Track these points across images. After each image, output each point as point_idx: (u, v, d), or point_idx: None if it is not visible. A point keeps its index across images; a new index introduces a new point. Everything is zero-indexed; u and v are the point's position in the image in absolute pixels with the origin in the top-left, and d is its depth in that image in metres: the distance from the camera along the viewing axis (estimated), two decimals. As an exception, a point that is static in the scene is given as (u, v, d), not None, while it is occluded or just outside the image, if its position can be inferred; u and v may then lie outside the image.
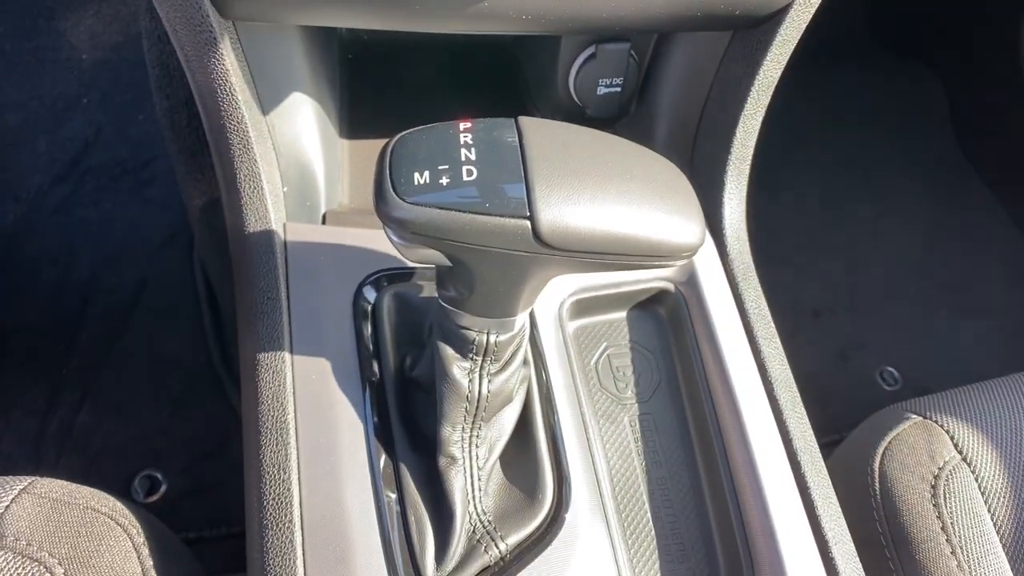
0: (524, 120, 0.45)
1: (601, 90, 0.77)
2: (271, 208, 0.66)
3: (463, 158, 0.43)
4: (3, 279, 1.45)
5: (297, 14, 0.59)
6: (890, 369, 1.56)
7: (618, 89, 0.77)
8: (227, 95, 0.61)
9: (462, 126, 0.44)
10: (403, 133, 0.45)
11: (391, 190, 0.42)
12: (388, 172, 0.43)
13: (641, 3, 0.59)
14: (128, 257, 1.49)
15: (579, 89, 0.77)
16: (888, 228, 1.70)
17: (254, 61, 0.63)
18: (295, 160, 0.71)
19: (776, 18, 0.64)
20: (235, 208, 0.66)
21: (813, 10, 0.64)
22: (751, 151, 0.73)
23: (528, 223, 0.42)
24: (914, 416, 0.82)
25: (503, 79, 0.90)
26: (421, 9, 0.57)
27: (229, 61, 0.59)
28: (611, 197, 0.43)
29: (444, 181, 0.42)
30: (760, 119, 0.71)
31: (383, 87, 0.88)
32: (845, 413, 1.47)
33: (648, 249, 0.44)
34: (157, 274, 1.46)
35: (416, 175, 0.42)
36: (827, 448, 0.74)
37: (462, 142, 0.43)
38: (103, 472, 1.27)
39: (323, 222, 0.73)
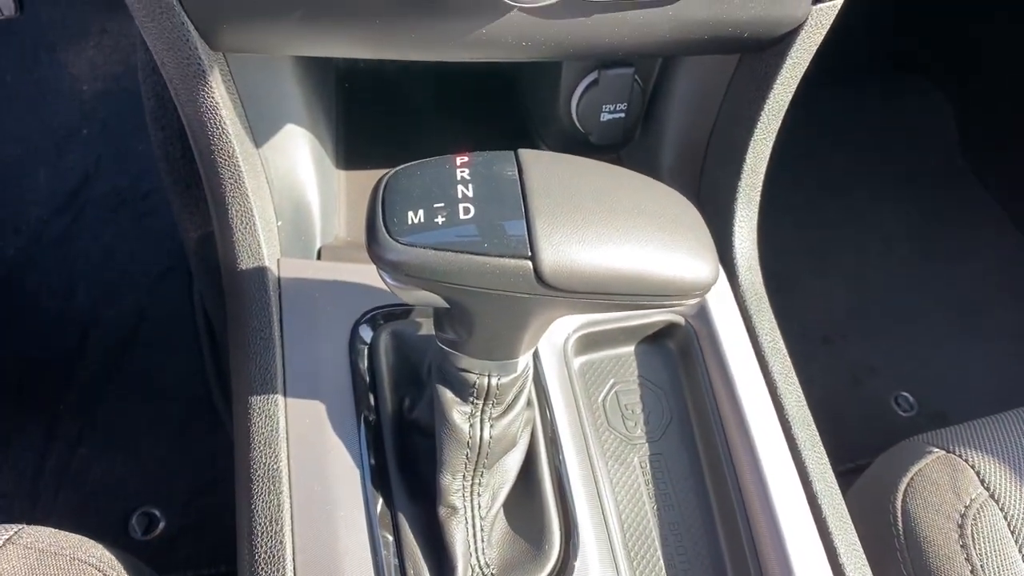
0: (524, 153, 0.43)
1: (604, 116, 0.75)
2: (264, 244, 0.64)
3: (459, 195, 0.40)
4: (2, 312, 1.44)
5: (289, 45, 0.57)
6: (904, 394, 1.52)
7: (622, 115, 0.75)
8: (217, 128, 0.59)
9: (459, 160, 0.42)
10: (396, 169, 0.43)
11: (383, 230, 0.40)
12: (380, 211, 0.41)
13: (645, 28, 0.57)
14: (127, 288, 1.47)
15: (582, 115, 0.75)
16: (897, 248, 1.67)
17: (246, 93, 0.61)
18: (289, 193, 0.69)
19: (786, 40, 0.61)
20: (227, 244, 0.64)
21: (824, 31, 0.62)
22: (762, 177, 0.71)
23: (529, 263, 0.40)
24: (936, 450, 0.78)
25: (503, 106, 0.88)
26: (417, 37, 0.55)
27: (219, 94, 0.57)
28: (618, 234, 0.41)
29: (439, 220, 0.40)
30: (771, 144, 0.69)
31: (381, 116, 0.86)
32: (860, 441, 1.43)
33: (658, 288, 0.42)
34: (156, 306, 1.44)
35: (410, 214, 0.40)
36: (842, 477, 0.71)
37: (459, 178, 0.41)
38: (101, 509, 1.25)
39: (318, 257, 0.71)
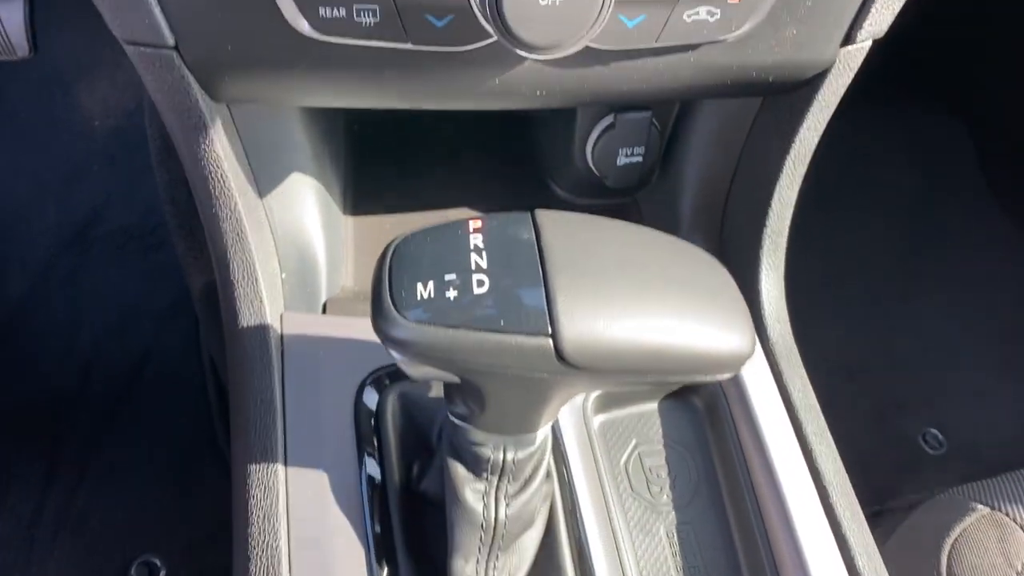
0: (541, 215, 0.40)
1: (621, 160, 0.72)
2: (267, 299, 0.61)
3: (473, 265, 0.37)
4: (5, 351, 1.41)
5: (295, 97, 0.55)
6: (933, 431, 1.47)
7: (639, 159, 0.72)
8: (219, 182, 0.56)
9: (472, 226, 0.39)
10: (404, 235, 0.40)
11: (389, 304, 0.37)
12: (387, 282, 0.37)
13: (665, 74, 0.54)
14: (133, 327, 1.45)
15: (597, 160, 0.72)
16: (922, 277, 1.62)
17: (250, 142, 0.59)
18: (294, 244, 0.66)
19: (812, 84, 0.58)
20: (228, 300, 0.61)
21: (853, 74, 0.59)
22: (787, 224, 0.67)
23: (549, 341, 0.36)
24: (980, 507, 0.74)
25: (517, 148, 0.85)
26: (428, 89, 0.52)
27: (221, 146, 0.55)
28: (646, 305, 0.38)
29: (451, 294, 0.36)
30: (797, 190, 0.66)
31: (392, 158, 0.84)
32: (887, 481, 1.38)
33: (691, 365, 0.38)
34: (162, 345, 1.41)
35: (419, 286, 0.37)
36: (870, 520, 0.67)
37: (472, 246, 0.38)
38: (99, 557, 1.21)
39: (323, 311, 0.68)
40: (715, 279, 0.40)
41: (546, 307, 0.36)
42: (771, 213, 0.66)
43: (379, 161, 0.83)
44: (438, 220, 0.68)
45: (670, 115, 0.72)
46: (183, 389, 1.34)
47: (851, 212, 1.68)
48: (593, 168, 0.73)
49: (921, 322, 1.56)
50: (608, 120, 0.70)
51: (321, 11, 0.45)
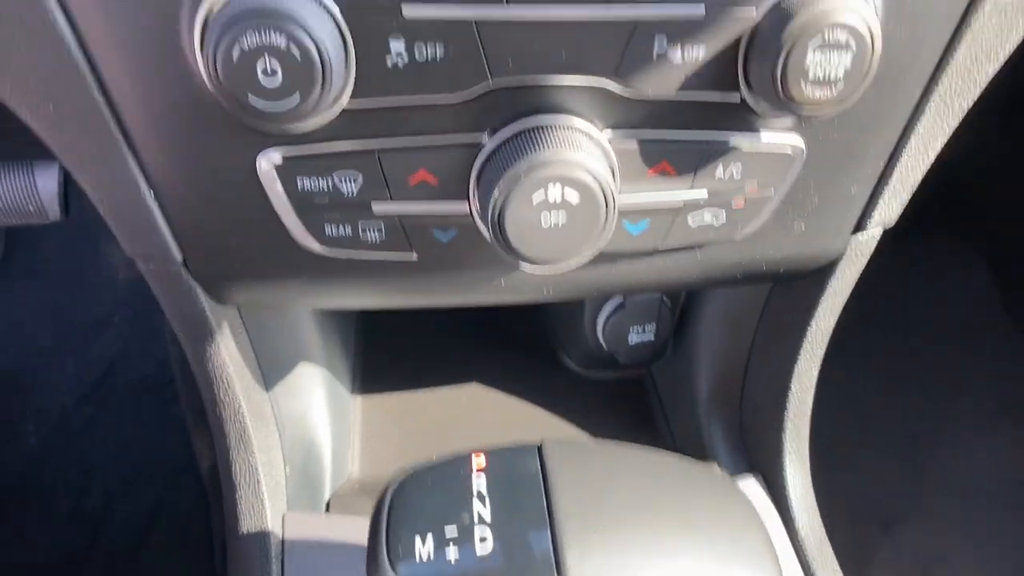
0: (550, 449, 0.38)
1: (633, 339, 0.71)
2: (268, 502, 0.58)
3: (475, 516, 0.35)
4: (16, 505, 1.38)
5: (302, 302, 0.55)
6: (984, 590, 1.36)
7: (651, 337, 0.71)
8: (223, 384, 0.56)
9: (475, 464, 0.37)
10: (404, 476, 0.38)
11: (385, 559, 0.34)
12: (383, 532, 0.35)
13: (672, 271, 0.53)
14: (143, 484, 1.42)
15: (609, 338, 0.71)
16: (952, 418, 1.56)
17: (259, 340, 0.59)
18: (300, 438, 0.65)
19: (824, 271, 0.58)
20: (230, 500, 0.59)
21: (866, 259, 0.58)
22: (810, 405, 0.64)
23: (558, 605, 0.33)
24: None
25: (527, 322, 0.85)
26: (430, 291, 0.53)
27: (227, 350, 0.55)
28: (666, 554, 0.35)
29: (451, 553, 0.34)
30: (817, 368, 0.64)
31: (402, 334, 0.83)
32: (941, 649, 1.26)
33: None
34: (170, 505, 1.37)
35: (417, 540, 0.35)
36: None
37: (474, 491, 0.36)
38: None
39: (327, 508, 0.65)
40: (738, 518, 0.38)
41: (554, 563, 0.34)
42: (791, 396, 0.63)
43: (389, 338, 0.83)
44: (448, 404, 0.65)
45: (680, 293, 0.71)
46: (189, 555, 1.29)
47: (872, 353, 1.65)
48: (604, 346, 0.72)
49: (955, 466, 1.48)
50: (618, 300, 0.69)
51: (327, 229, 0.46)
